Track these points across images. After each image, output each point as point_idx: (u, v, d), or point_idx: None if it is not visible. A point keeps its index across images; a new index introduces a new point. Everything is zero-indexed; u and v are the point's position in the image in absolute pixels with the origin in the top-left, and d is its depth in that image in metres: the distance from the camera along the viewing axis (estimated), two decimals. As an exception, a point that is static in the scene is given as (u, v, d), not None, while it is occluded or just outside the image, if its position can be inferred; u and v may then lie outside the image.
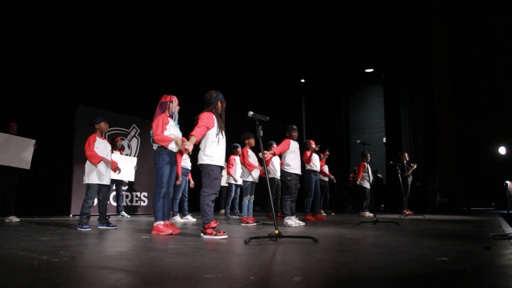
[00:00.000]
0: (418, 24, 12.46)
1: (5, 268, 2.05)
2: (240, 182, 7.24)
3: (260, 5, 10.73)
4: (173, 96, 4.13)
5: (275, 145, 6.02)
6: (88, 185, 4.54)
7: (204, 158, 3.59)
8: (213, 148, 3.59)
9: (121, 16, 8.45)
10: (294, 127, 5.57)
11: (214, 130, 3.61)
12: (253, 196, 5.90)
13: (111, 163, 4.74)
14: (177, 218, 6.05)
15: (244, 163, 5.85)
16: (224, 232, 3.50)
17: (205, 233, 3.48)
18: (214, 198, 3.59)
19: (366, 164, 7.69)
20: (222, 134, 3.66)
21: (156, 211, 3.94)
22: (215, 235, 3.43)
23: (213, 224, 3.50)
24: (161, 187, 3.93)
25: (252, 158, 5.90)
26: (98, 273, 1.90)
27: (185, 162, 6.30)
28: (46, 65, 7.32)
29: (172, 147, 3.96)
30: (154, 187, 4.01)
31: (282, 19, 11.54)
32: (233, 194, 7.50)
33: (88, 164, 4.57)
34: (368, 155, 8.18)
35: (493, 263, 2.24)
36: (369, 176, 6.78)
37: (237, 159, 7.08)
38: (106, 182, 4.67)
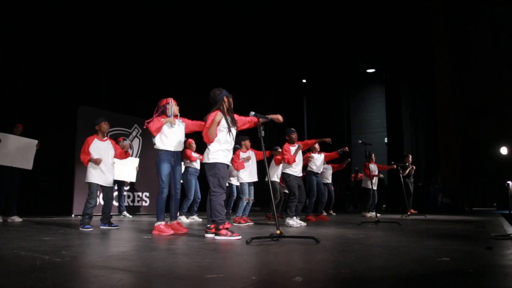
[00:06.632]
0: (420, 24, 12.44)
1: (8, 268, 2.05)
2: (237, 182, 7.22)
3: (261, 5, 10.74)
4: (169, 98, 4.15)
5: (279, 150, 5.94)
6: (89, 184, 4.55)
7: (210, 157, 3.52)
8: (220, 146, 3.52)
9: (122, 17, 8.46)
10: (293, 129, 5.54)
11: (223, 127, 3.53)
12: (252, 198, 5.86)
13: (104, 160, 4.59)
14: (183, 218, 5.98)
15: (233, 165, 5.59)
16: (238, 233, 3.45)
17: (219, 234, 3.40)
18: (225, 197, 3.56)
19: (369, 164, 7.67)
20: (231, 131, 3.57)
21: (158, 211, 3.95)
22: (230, 236, 3.36)
23: (227, 225, 3.45)
24: (162, 187, 3.93)
25: (245, 155, 5.76)
26: (100, 273, 1.90)
27: (196, 162, 6.24)
28: (48, 65, 7.32)
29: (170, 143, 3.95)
30: (155, 187, 4.03)
31: (283, 19, 11.55)
32: (235, 195, 7.47)
33: (89, 163, 4.58)
34: (373, 155, 8.17)
35: (495, 264, 2.24)
36: (370, 177, 6.77)
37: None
38: (108, 184, 4.64)
